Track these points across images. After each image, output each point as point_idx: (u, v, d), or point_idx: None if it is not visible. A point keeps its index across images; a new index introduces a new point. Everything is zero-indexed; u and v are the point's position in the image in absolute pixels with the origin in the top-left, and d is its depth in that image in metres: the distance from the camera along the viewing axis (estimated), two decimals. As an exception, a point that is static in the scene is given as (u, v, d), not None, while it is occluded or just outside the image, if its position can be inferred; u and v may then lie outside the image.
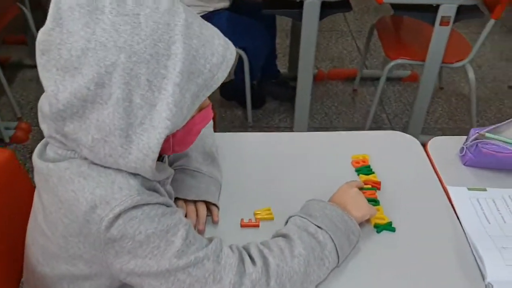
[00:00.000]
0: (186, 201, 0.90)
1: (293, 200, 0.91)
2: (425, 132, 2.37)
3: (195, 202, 0.91)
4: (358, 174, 1.02)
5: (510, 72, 2.92)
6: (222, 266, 0.71)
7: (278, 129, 2.44)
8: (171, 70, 0.64)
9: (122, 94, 0.63)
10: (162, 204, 0.72)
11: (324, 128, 2.46)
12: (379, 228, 0.90)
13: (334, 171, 1.03)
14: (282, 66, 2.74)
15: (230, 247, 0.75)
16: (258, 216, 0.91)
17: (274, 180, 1.01)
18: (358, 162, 1.05)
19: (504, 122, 1.06)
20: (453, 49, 2.08)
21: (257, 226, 0.90)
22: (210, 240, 0.75)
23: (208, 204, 0.91)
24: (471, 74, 2.16)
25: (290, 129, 2.42)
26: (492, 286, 0.78)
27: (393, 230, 0.90)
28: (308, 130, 2.29)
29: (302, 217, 0.82)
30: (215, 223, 0.90)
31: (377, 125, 2.49)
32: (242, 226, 0.90)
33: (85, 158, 0.70)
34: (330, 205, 0.85)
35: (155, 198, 0.71)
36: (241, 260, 0.73)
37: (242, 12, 2.19)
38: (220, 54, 0.69)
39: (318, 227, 0.80)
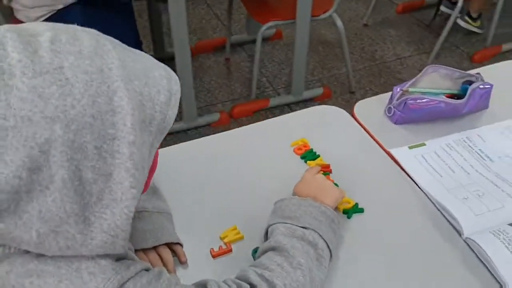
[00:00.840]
0: (144, 250, 0.78)
1: (255, 208, 0.85)
2: (306, 87, 2.42)
3: (154, 247, 0.79)
4: (306, 161, 0.98)
5: (361, 11, 3.09)
6: None
7: (164, 118, 2.30)
8: (121, 127, 0.51)
9: (67, 173, 0.49)
10: (142, 270, 0.60)
11: (211, 105, 2.38)
12: (348, 213, 0.87)
13: (281, 164, 0.97)
14: (145, 49, 2.57)
15: (226, 283, 0.67)
16: (227, 240, 0.82)
17: (224, 193, 0.92)
18: (300, 149, 1.00)
19: (419, 75, 1.09)
20: (316, 1, 2.11)
21: (230, 251, 0.81)
22: (204, 285, 0.65)
23: (169, 245, 0.80)
24: (339, 22, 2.22)
25: (179, 114, 2.29)
26: (473, 240, 0.80)
27: (361, 211, 0.88)
28: (197, 112, 2.20)
29: (284, 223, 0.76)
30: (183, 263, 0.79)
31: (260, 91, 2.47)
32: (214, 256, 0.80)
33: (27, 251, 0.55)
34: (303, 200, 0.79)
35: (133, 268, 0.59)
36: None
37: (95, 3, 1.96)
38: (166, 88, 0.56)
39: (304, 227, 0.75)
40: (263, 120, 1.11)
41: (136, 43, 2.21)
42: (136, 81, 0.53)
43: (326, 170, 0.95)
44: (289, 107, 2.37)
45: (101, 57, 0.51)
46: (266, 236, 0.79)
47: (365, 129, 1.06)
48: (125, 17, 2.07)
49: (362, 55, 2.74)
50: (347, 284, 0.77)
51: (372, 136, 1.04)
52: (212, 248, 0.81)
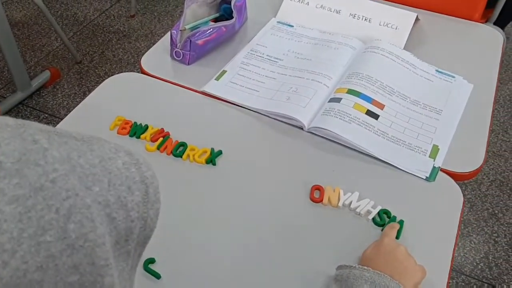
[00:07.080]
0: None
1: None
2: (30, 77, 2.15)
3: None
4: (137, 137, 0.91)
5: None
6: None
7: None
8: (87, 268, 0.32)
9: None
10: None
11: None
12: (212, 160, 0.87)
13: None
14: None
15: None
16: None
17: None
18: (124, 128, 0.92)
19: (184, 11, 1.09)
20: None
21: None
22: None
23: None
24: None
25: None
26: (315, 127, 0.91)
27: (220, 153, 0.89)
28: None
29: None
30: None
31: None
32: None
33: None
34: (379, 276, 0.66)
35: None
36: None
37: None
38: (138, 180, 0.37)
39: None
40: None
41: None
42: (96, 187, 0.34)
43: (165, 135, 0.91)
44: (24, 105, 2.09)
45: (35, 165, 0.31)
46: None
47: (166, 81, 1.04)
48: None
49: (65, 22, 2.55)
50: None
51: (177, 84, 1.03)
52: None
